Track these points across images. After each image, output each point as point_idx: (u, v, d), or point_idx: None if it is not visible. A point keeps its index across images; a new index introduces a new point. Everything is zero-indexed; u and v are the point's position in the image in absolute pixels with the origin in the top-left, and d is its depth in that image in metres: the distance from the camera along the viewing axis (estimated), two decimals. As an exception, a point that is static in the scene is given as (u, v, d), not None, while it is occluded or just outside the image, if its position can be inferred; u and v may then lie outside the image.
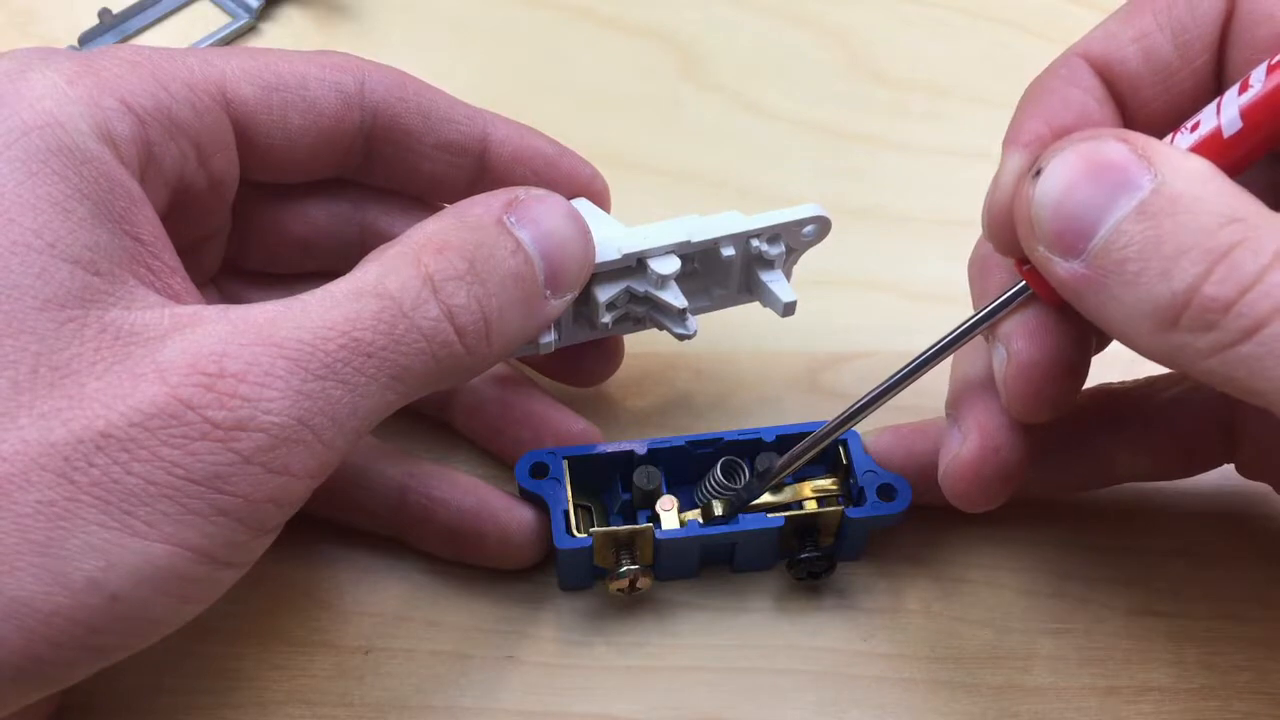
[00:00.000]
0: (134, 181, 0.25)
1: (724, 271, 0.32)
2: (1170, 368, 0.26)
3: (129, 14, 0.44)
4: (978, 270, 0.30)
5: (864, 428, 0.31)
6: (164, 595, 0.23)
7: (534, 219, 0.28)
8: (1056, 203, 0.23)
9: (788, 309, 0.32)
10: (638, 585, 0.31)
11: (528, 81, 0.43)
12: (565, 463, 0.31)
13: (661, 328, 0.32)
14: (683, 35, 0.44)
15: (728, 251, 0.31)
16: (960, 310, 0.38)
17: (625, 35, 0.44)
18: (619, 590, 0.31)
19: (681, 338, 0.32)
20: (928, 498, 0.31)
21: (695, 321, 0.31)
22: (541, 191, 0.29)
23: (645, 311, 0.32)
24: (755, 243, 0.31)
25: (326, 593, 0.32)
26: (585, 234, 0.29)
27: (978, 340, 0.29)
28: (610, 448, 0.32)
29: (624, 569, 0.30)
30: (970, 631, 0.32)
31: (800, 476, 0.32)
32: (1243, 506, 0.34)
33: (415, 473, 0.32)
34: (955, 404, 0.30)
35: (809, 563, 0.31)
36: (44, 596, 0.22)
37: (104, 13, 0.43)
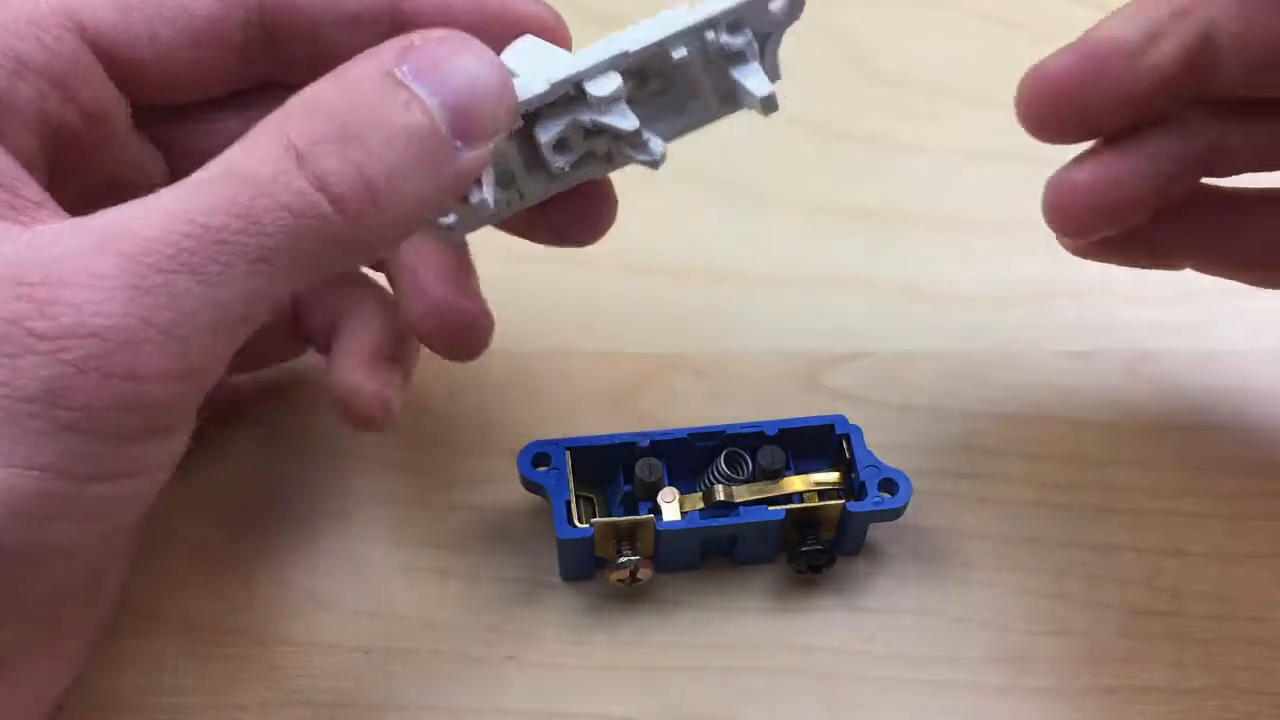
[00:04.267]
0: None
1: (690, 80, 0.28)
2: None
3: None
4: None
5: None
6: (28, 521, 0.22)
7: (431, 64, 0.24)
8: None
9: (766, 104, 0.27)
10: (638, 576, 0.31)
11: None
12: (568, 454, 0.32)
13: (624, 155, 0.28)
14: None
15: (679, 54, 0.27)
16: (961, 310, 0.38)
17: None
18: (619, 581, 0.31)
19: (649, 165, 0.27)
20: None
21: (659, 143, 0.27)
22: (441, 32, 0.25)
23: (608, 145, 0.27)
24: (714, 37, 0.27)
25: (326, 593, 0.32)
26: (497, 70, 0.25)
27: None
28: (613, 440, 0.32)
29: (625, 559, 0.31)
30: (970, 631, 0.32)
31: (803, 470, 0.32)
32: (1243, 506, 0.34)
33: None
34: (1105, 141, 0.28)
35: (809, 555, 0.31)
36: None
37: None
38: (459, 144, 0.24)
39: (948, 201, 0.39)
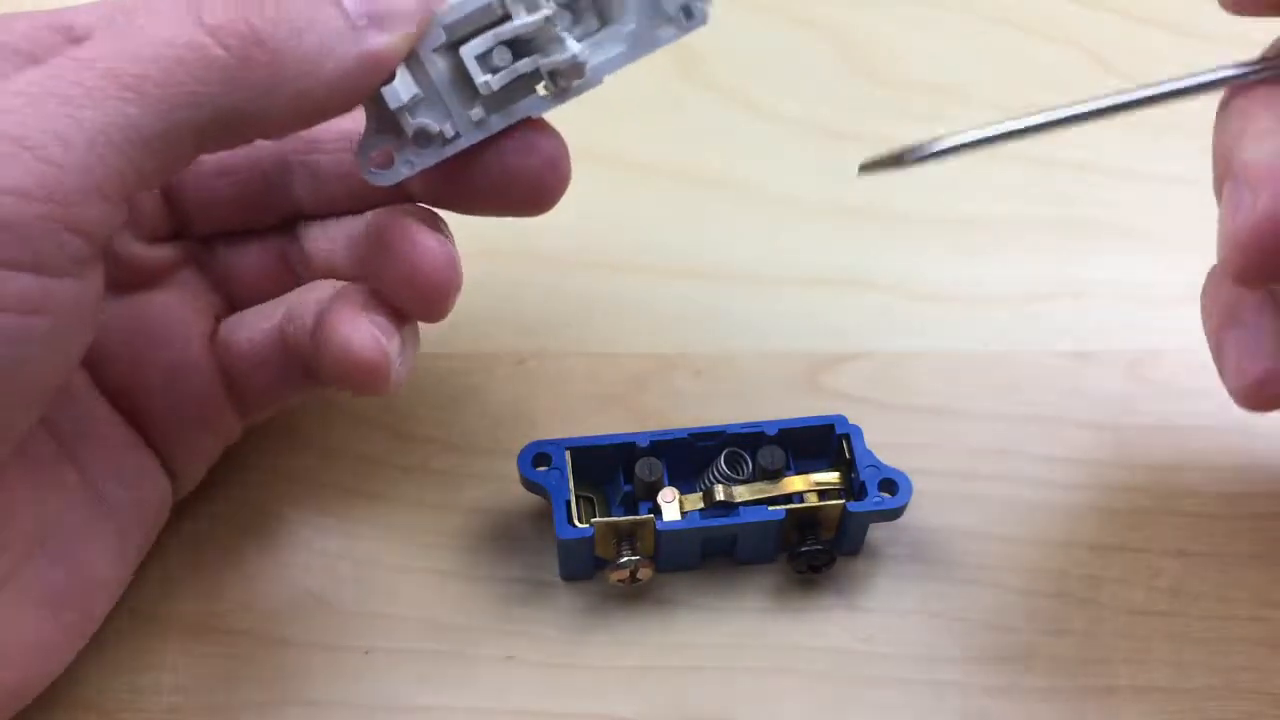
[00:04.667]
0: None
1: None
2: None
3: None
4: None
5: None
6: None
7: None
8: None
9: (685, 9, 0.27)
10: (638, 576, 0.31)
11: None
12: (568, 454, 0.32)
13: (560, 85, 0.27)
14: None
15: None
16: (961, 310, 0.38)
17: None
18: (620, 580, 0.31)
19: (575, 68, 0.27)
20: None
21: (579, 45, 0.27)
22: None
23: (534, 64, 0.27)
24: None
25: (326, 593, 0.32)
26: None
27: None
28: (613, 440, 0.32)
29: (625, 559, 0.31)
30: (970, 631, 0.32)
31: (802, 470, 0.32)
32: (1243, 506, 0.34)
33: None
34: (1244, 164, 0.25)
35: (809, 555, 0.31)
36: None
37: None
38: (364, 22, 0.25)
39: (948, 201, 0.39)
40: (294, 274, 0.32)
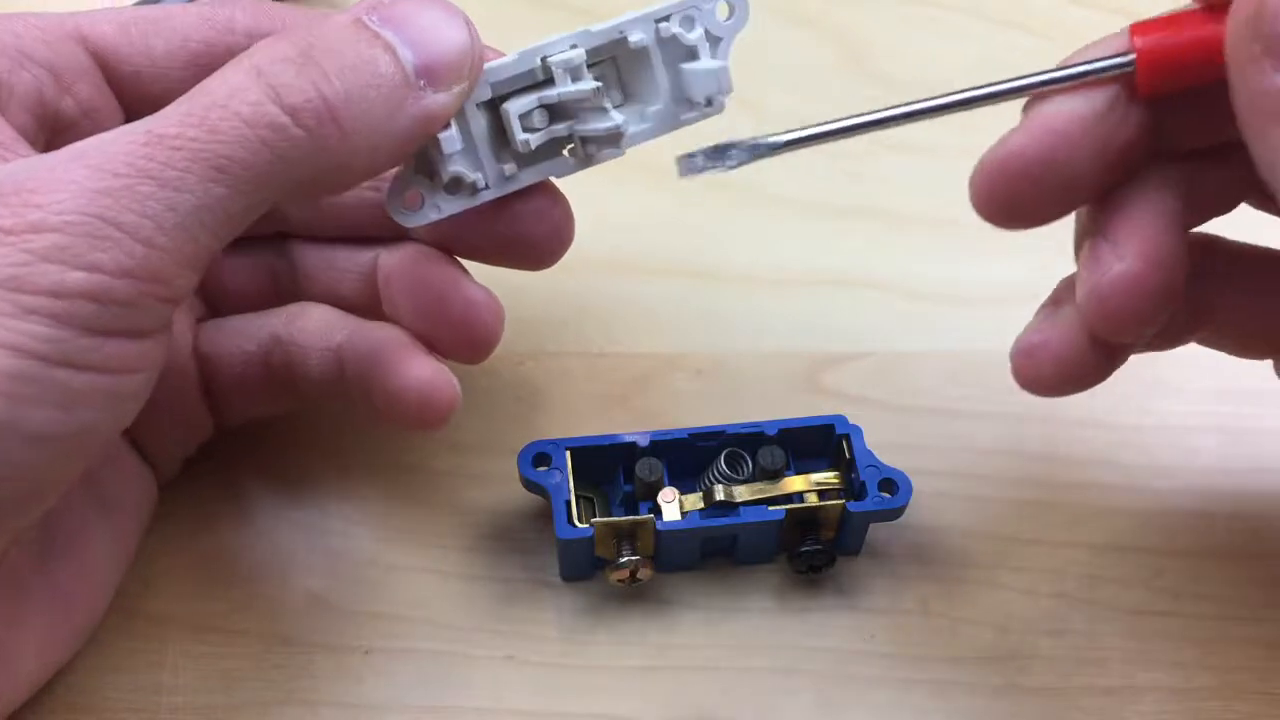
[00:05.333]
0: None
1: (648, 76, 0.29)
2: None
3: None
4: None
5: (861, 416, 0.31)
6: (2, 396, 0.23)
7: (401, 15, 0.26)
8: None
9: (711, 78, 0.29)
10: (638, 576, 0.31)
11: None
12: (568, 454, 0.32)
13: (590, 153, 0.29)
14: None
15: (636, 37, 0.28)
16: (961, 310, 0.38)
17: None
18: (620, 581, 0.31)
19: (611, 142, 0.29)
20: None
21: (621, 115, 0.29)
22: None
23: (569, 129, 0.29)
24: (667, 28, 0.29)
25: (326, 592, 0.32)
26: (465, 24, 0.27)
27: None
28: (613, 440, 0.32)
29: (625, 559, 0.31)
30: (970, 631, 0.32)
31: (802, 470, 0.32)
32: (1243, 506, 0.34)
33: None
34: (1106, 222, 0.27)
35: (809, 556, 0.31)
36: None
37: None
38: (422, 83, 0.26)
39: (948, 201, 0.39)
40: (277, 288, 0.32)
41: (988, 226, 0.34)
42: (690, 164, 0.28)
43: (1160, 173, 0.27)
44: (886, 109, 0.28)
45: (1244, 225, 0.29)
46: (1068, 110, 0.26)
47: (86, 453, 0.25)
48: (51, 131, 0.29)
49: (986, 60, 0.44)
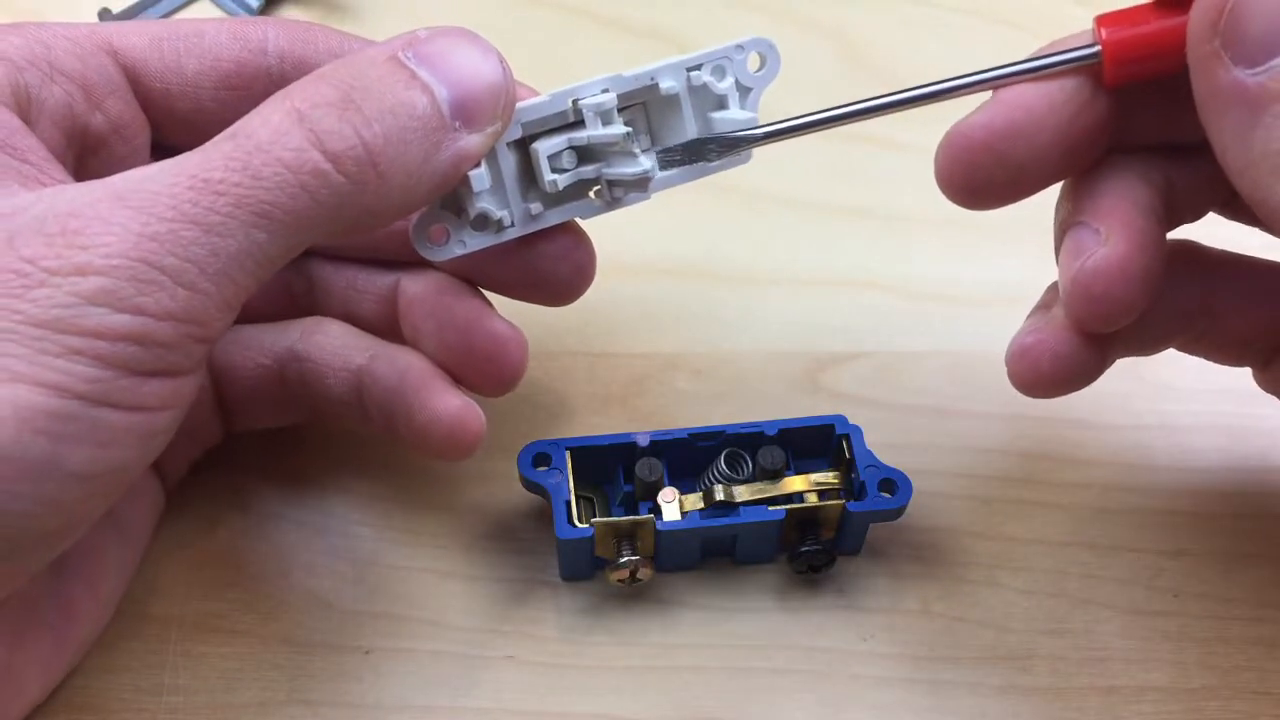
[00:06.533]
0: (12, 115, 0.26)
1: (677, 123, 0.29)
2: (1268, 217, 0.25)
3: (129, 14, 0.44)
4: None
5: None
6: (42, 435, 0.23)
7: (437, 52, 0.26)
8: (1270, 5, 0.23)
9: (740, 128, 0.29)
10: (638, 576, 0.31)
11: (529, 82, 0.43)
12: (568, 453, 0.32)
13: (616, 196, 0.29)
14: (683, 36, 0.44)
15: (668, 84, 0.29)
16: (961, 310, 0.38)
17: (627, 35, 0.44)
18: (619, 581, 0.31)
19: (638, 186, 0.29)
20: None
21: (649, 158, 0.29)
22: (448, 26, 0.27)
23: (597, 171, 0.29)
24: (698, 77, 0.29)
25: (326, 593, 0.32)
26: (499, 62, 0.27)
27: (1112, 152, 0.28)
28: (613, 440, 0.32)
29: (625, 559, 0.31)
30: (970, 631, 0.32)
31: (802, 470, 0.32)
32: (1243, 506, 0.34)
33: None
34: (1087, 209, 0.28)
35: (809, 556, 0.31)
36: None
37: (104, 13, 0.43)
38: (458, 124, 0.26)
39: (947, 201, 0.39)
40: (293, 303, 0.33)
41: (988, 227, 0.35)
42: (669, 159, 0.29)
43: (1137, 166, 0.28)
44: (864, 100, 0.29)
45: (1222, 235, 0.29)
46: (1034, 89, 0.27)
47: (118, 489, 0.25)
48: (81, 148, 0.29)
49: (987, 60, 0.44)
